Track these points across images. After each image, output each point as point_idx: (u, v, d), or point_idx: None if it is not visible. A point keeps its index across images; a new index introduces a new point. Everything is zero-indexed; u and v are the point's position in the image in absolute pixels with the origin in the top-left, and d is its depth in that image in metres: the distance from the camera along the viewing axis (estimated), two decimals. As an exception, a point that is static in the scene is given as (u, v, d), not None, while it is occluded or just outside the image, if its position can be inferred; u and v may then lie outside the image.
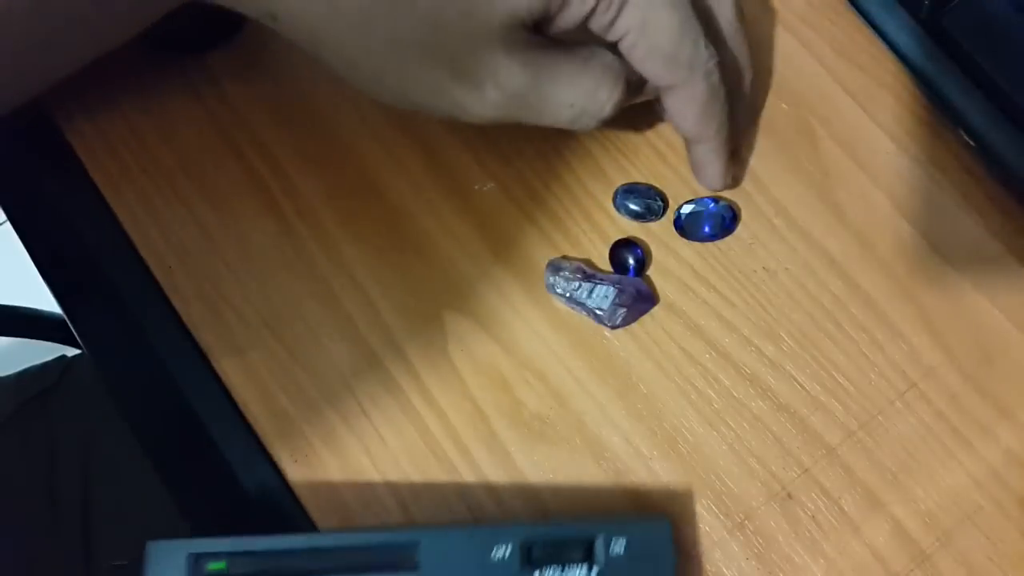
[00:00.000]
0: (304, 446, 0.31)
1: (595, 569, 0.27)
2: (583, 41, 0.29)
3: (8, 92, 0.29)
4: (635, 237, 0.33)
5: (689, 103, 0.30)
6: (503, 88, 0.28)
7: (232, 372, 0.32)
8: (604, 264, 0.33)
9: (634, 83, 0.30)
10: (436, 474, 0.31)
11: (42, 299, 0.42)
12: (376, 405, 0.32)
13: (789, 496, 0.30)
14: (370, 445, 0.31)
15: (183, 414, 0.32)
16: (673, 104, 0.30)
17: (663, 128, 0.35)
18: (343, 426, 0.31)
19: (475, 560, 0.27)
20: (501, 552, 0.27)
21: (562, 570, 0.27)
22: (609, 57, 0.29)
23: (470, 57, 0.27)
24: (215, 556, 0.27)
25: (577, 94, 0.28)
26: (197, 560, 0.26)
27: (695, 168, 0.32)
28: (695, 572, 0.30)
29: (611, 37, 0.28)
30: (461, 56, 0.27)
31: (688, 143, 0.32)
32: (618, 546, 0.27)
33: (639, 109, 0.34)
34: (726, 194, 0.34)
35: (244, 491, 0.31)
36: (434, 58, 0.27)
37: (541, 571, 0.27)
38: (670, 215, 0.33)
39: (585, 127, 0.30)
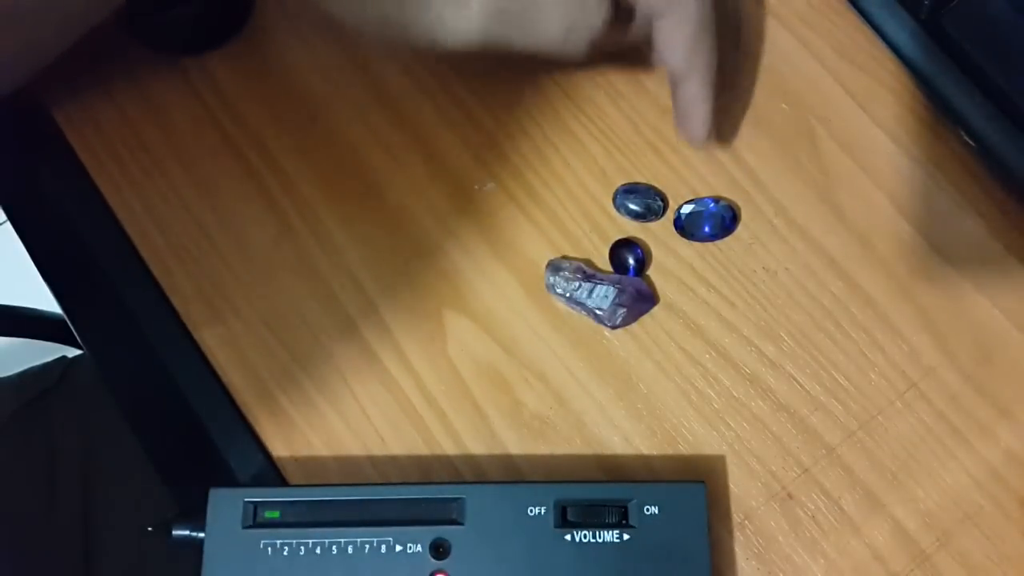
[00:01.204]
0: (304, 445, 0.31)
1: (628, 533, 0.28)
2: None
3: (3, 73, 0.29)
4: (635, 237, 0.33)
5: (680, 28, 0.29)
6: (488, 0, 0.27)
7: (231, 372, 0.32)
8: (604, 264, 0.33)
9: (623, 8, 0.29)
10: (436, 473, 0.31)
11: (42, 299, 0.42)
12: (376, 405, 0.32)
13: (789, 496, 0.30)
14: (370, 444, 0.31)
15: (182, 413, 0.32)
16: (664, 30, 0.29)
17: (663, 128, 0.35)
18: (343, 425, 0.31)
19: (514, 516, 0.28)
20: (538, 510, 0.28)
21: (595, 533, 0.28)
22: None
23: None
24: (271, 505, 0.28)
25: (566, 4, 0.28)
26: (255, 508, 0.28)
27: (680, 117, 0.32)
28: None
29: None
30: None
31: (675, 84, 0.31)
32: (652, 511, 0.28)
33: (639, 108, 0.35)
34: (726, 194, 0.34)
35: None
36: None
37: (575, 532, 0.28)
38: (670, 215, 0.33)
39: (576, 47, 0.29)
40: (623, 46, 0.31)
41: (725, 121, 0.33)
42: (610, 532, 0.28)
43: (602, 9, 0.28)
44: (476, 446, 0.31)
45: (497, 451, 0.31)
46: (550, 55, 0.29)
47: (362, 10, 0.28)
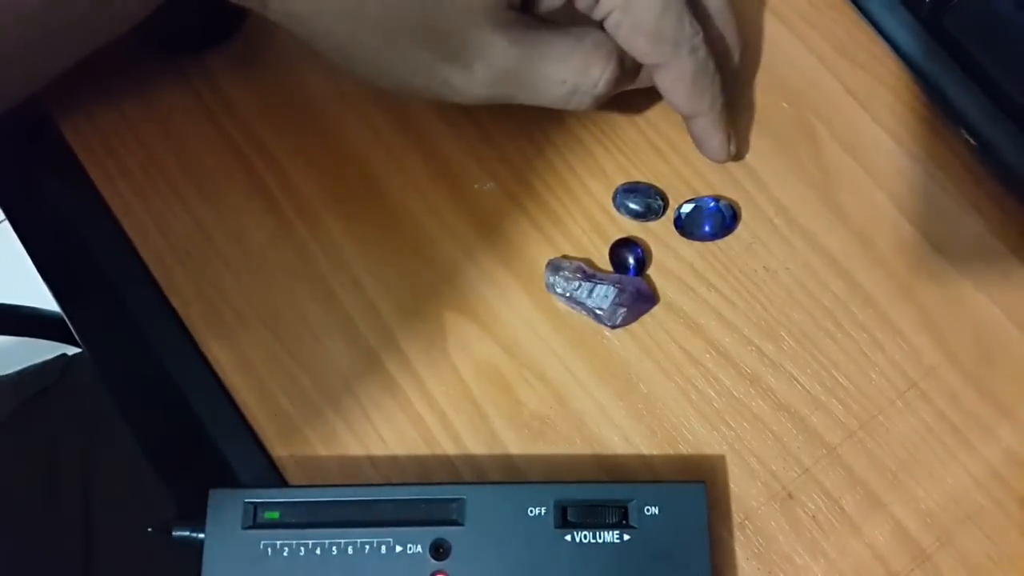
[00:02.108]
0: (304, 446, 0.31)
1: (628, 534, 0.28)
2: (575, 22, 0.29)
3: (5, 90, 0.29)
4: (635, 236, 0.33)
5: (678, 80, 0.30)
6: (493, 66, 0.28)
7: (231, 372, 0.32)
8: (604, 264, 0.33)
9: (628, 63, 0.30)
10: (436, 474, 0.31)
11: (42, 298, 0.42)
12: (376, 405, 0.32)
13: (789, 496, 0.30)
14: (370, 445, 0.31)
15: (182, 413, 0.32)
16: (663, 82, 0.30)
17: (663, 127, 0.35)
18: (343, 425, 0.31)
19: (514, 516, 0.28)
20: (538, 510, 0.28)
21: (595, 534, 0.28)
22: (601, 35, 0.29)
23: (459, 37, 0.27)
24: (271, 505, 0.28)
25: (569, 71, 0.29)
26: (255, 508, 0.28)
27: (696, 142, 0.32)
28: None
29: (596, 16, 0.29)
30: (450, 36, 0.27)
31: (685, 119, 0.32)
32: (653, 512, 0.28)
33: (639, 107, 0.35)
34: (726, 193, 0.34)
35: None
36: (423, 39, 0.27)
37: (576, 532, 0.28)
38: (670, 214, 0.33)
39: (580, 105, 0.30)
40: (630, 88, 0.32)
41: (730, 124, 0.33)
42: (610, 532, 0.28)
43: (605, 75, 0.29)
44: (476, 446, 0.31)
45: (497, 451, 0.31)
46: (557, 108, 0.30)
47: (372, 70, 0.29)
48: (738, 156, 0.34)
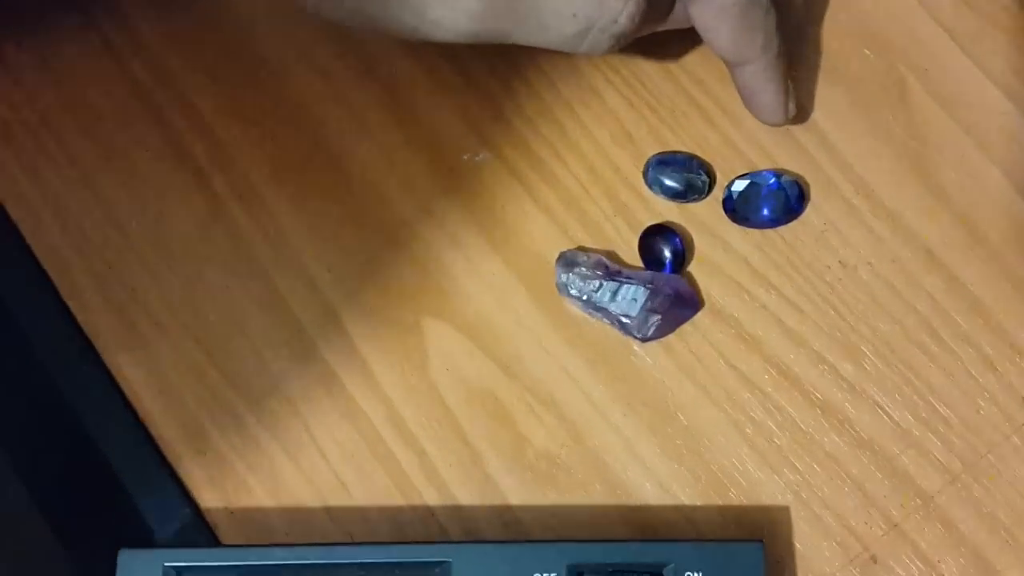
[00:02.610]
0: (240, 492, 0.31)
1: None
2: None
3: None
4: (672, 222, 0.33)
5: (721, 14, 0.29)
6: None
7: (149, 400, 0.32)
8: (632, 257, 0.32)
9: None
10: (414, 530, 0.30)
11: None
12: (336, 441, 0.31)
13: (873, 560, 0.30)
14: (327, 492, 0.31)
15: (81, 451, 0.31)
16: (702, 18, 0.30)
17: (709, 81, 0.34)
18: (292, 467, 0.31)
19: None
20: None
21: None
22: None
23: None
24: (198, 571, 0.28)
25: (582, 1, 0.28)
26: (178, 574, 0.28)
27: (744, 99, 0.32)
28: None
29: None
30: None
31: (730, 67, 0.31)
32: None
33: (676, 54, 0.34)
34: (791, 167, 0.33)
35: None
36: None
37: None
38: (718, 193, 0.33)
39: (595, 48, 0.29)
40: (661, 30, 0.31)
41: (789, 74, 0.33)
42: None
43: (628, 8, 0.28)
44: (465, 494, 0.31)
45: (493, 501, 0.31)
46: (566, 51, 0.29)
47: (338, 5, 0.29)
48: (802, 118, 0.33)
